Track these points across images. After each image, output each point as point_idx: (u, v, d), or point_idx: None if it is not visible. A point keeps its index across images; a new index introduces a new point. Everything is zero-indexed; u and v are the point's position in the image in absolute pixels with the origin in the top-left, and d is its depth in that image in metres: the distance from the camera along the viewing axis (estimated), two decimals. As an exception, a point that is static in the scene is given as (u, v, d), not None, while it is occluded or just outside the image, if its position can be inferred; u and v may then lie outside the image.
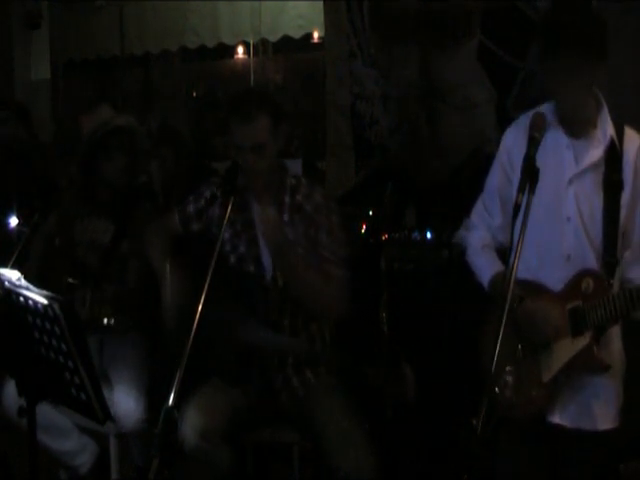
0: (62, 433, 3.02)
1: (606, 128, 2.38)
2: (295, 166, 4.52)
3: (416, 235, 3.92)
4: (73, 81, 7.23)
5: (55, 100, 7.09)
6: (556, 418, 2.35)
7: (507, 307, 2.01)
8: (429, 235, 2.77)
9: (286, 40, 5.87)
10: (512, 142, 2.51)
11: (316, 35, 5.93)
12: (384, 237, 3.95)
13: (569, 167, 2.35)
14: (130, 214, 3.06)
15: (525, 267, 2.37)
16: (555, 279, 2.37)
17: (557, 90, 2.32)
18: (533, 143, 2.19)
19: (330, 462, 2.46)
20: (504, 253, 2.50)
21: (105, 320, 2.94)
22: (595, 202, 2.36)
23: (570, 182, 2.35)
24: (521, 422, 2.38)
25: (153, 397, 2.97)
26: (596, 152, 2.37)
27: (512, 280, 2.02)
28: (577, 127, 2.37)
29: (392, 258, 3.80)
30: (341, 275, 2.65)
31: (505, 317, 1.99)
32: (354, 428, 2.52)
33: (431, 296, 3.56)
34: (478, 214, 2.63)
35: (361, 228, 4.12)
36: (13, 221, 3.96)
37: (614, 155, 2.36)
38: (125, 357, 3.03)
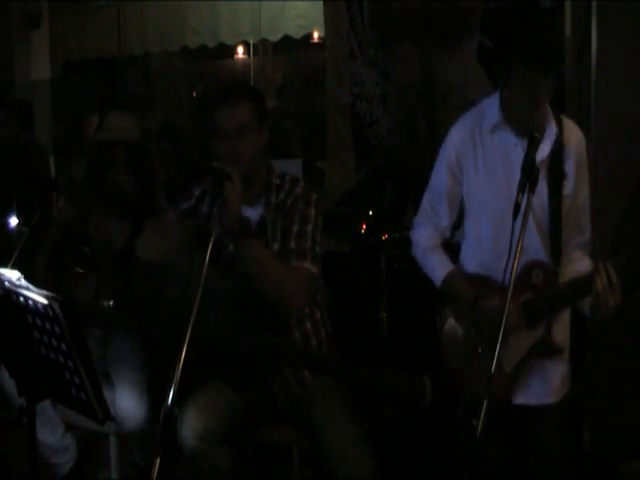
0: (48, 425, 3.03)
1: (551, 125, 2.45)
2: (295, 166, 4.52)
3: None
4: (73, 81, 7.23)
5: (55, 100, 7.09)
6: (521, 399, 2.49)
7: (507, 307, 2.02)
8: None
9: (286, 40, 5.87)
10: (460, 143, 2.56)
11: (316, 35, 5.93)
12: (384, 237, 3.95)
13: (518, 165, 2.37)
14: (142, 218, 3.05)
15: (478, 262, 2.54)
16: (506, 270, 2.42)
17: (523, 101, 2.36)
18: (533, 143, 2.20)
19: (330, 462, 2.45)
20: (450, 247, 2.68)
21: (104, 302, 2.94)
22: (543, 196, 2.44)
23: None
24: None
25: (154, 396, 2.97)
26: (543, 149, 2.41)
27: (512, 281, 2.02)
28: (524, 126, 2.39)
29: (392, 258, 3.80)
30: (306, 268, 2.57)
31: (505, 317, 2.01)
32: (353, 428, 2.51)
33: (431, 296, 3.55)
34: (424, 213, 2.69)
35: (361, 228, 4.11)
36: (13, 221, 3.96)
37: (557, 149, 2.44)
38: (127, 356, 3.03)
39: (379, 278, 3.75)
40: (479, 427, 1.88)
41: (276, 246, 2.66)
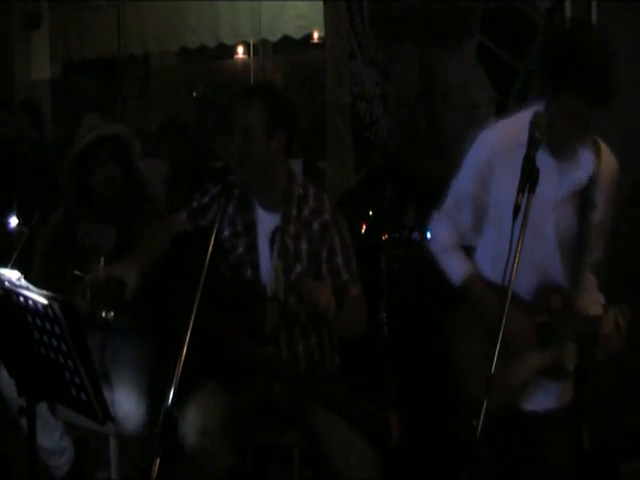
0: (45, 427, 3.03)
1: (588, 153, 2.41)
2: (295, 166, 4.52)
3: (416, 235, 3.92)
4: (73, 81, 7.23)
5: (55, 100, 7.09)
6: (528, 406, 2.49)
7: (507, 307, 2.01)
8: (429, 235, 2.77)
9: (286, 40, 5.88)
10: (493, 149, 2.48)
11: (316, 35, 5.94)
12: (384, 237, 3.95)
13: (553, 190, 2.34)
14: (131, 221, 3.05)
15: (498, 273, 2.43)
16: (525, 288, 2.42)
17: (565, 128, 2.29)
18: (534, 143, 2.18)
19: (331, 464, 2.45)
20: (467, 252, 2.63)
21: (104, 313, 2.92)
22: (571, 221, 2.43)
23: (554, 206, 2.36)
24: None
25: (154, 397, 2.97)
26: (579, 177, 2.40)
27: (511, 281, 2.02)
28: (563, 150, 2.36)
29: (392, 258, 3.79)
30: (360, 292, 2.64)
31: (505, 318, 2.00)
32: (354, 431, 2.49)
33: (431, 296, 3.55)
34: (446, 212, 2.62)
35: (361, 228, 4.11)
36: (13, 221, 3.96)
37: (592, 182, 2.41)
38: (127, 358, 3.03)
39: (379, 278, 3.75)
40: (479, 427, 1.88)
41: (298, 267, 2.63)
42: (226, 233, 2.72)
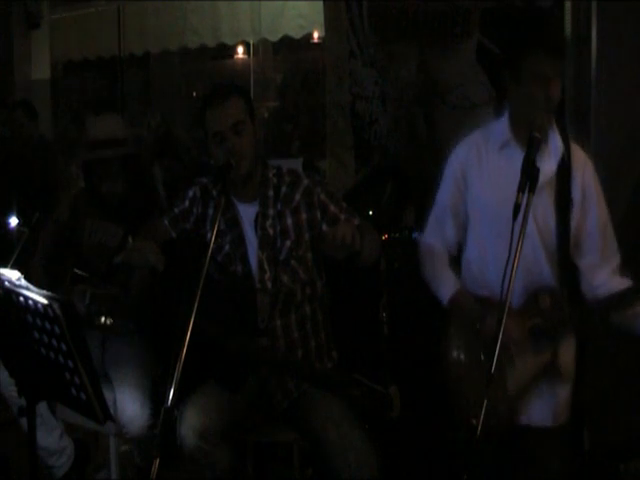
0: (46, 427, 3.03)
1: (556, 143, 2.45)
2: (295, 166, 4.52)
3: (416, 235, 3.92)
4: (73, 81, 7.23)
5: (55, 100, 7.09)
6: (522, 419, 2.49)
7: (505, 315, 2.02)
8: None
9: (286, 40, 5.88)
10: (466, 159, 2.58)
11: (316, 35, 5.94)
12: (384, 237, 3.95)
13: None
14: (138, 221, 3.05)
15: (483, 283, 2.51)
16: (514, 292, 2.39)
17: (535, 97, 2.35)
18: (533, 143, 2.19)
19: (331, 464, 2.45)
20: (455, 262, 2.68)
21: (102, 319, 2.92)
22: (549, 218, 2.44)
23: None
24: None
25: (155, 397, 2.96)
26: (549, 168, 2.42)
27: (510, 285, 2.02)
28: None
29: (392, 258, 3.79)
30: (362, 221, 2.64)
31: (503, 326, 2.01)
32: (354, 430, 2.50)
33: (431, 296, 3.56)
34: (431, 228, 2.71)
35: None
36: (13, 221, 3.96)
37: (565, 171, 2.43)
38: (127, 359, 3.02)
39: (379, 278, 3.74)
40: (479, 427, 1.88)
41: (288, 242, 2.65)
42: (209, 234, 2.71)
